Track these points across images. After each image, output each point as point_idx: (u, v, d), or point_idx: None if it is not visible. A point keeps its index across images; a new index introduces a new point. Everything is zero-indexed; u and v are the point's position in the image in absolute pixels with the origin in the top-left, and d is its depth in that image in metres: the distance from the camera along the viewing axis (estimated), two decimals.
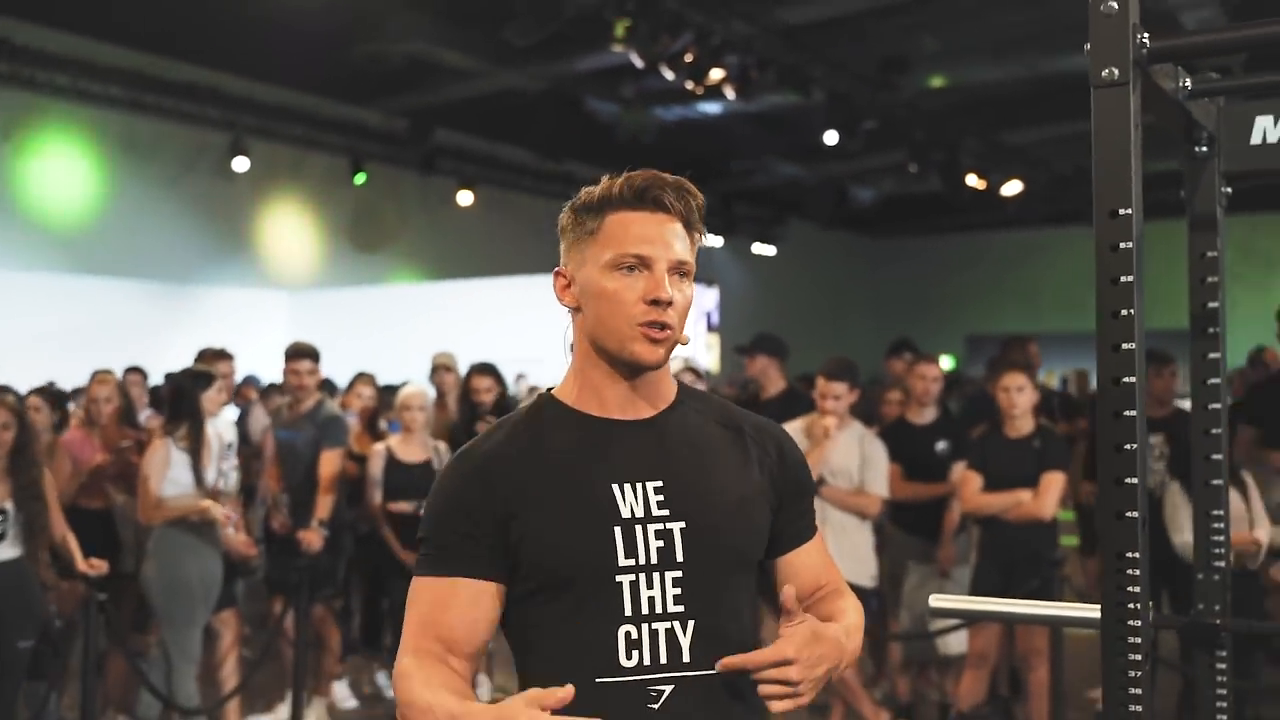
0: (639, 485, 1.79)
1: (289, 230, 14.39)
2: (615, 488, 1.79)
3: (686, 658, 1.73)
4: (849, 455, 5.35)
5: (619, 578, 1.74)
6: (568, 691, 1.55)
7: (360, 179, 14.52)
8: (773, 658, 1.66)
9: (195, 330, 11.00)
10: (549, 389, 1.93)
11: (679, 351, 1.97)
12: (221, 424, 5.74)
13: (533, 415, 1.88)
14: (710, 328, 17.70)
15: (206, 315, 12.47)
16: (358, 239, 15.06)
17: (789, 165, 18.13)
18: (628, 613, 1.74)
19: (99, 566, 5.04)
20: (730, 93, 11.78)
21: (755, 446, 1.90)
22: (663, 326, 1.79)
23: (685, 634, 1.73)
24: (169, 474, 5.33)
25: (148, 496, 5.33)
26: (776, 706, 1.69)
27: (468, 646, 1.77)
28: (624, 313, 1.79)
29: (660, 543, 1.76)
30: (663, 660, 1.72)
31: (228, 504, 5.52)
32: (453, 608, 1.78)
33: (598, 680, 1.71)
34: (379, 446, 6.21)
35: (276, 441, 6.18)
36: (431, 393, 7.07)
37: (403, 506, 6.13)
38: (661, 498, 1.79)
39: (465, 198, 15.53)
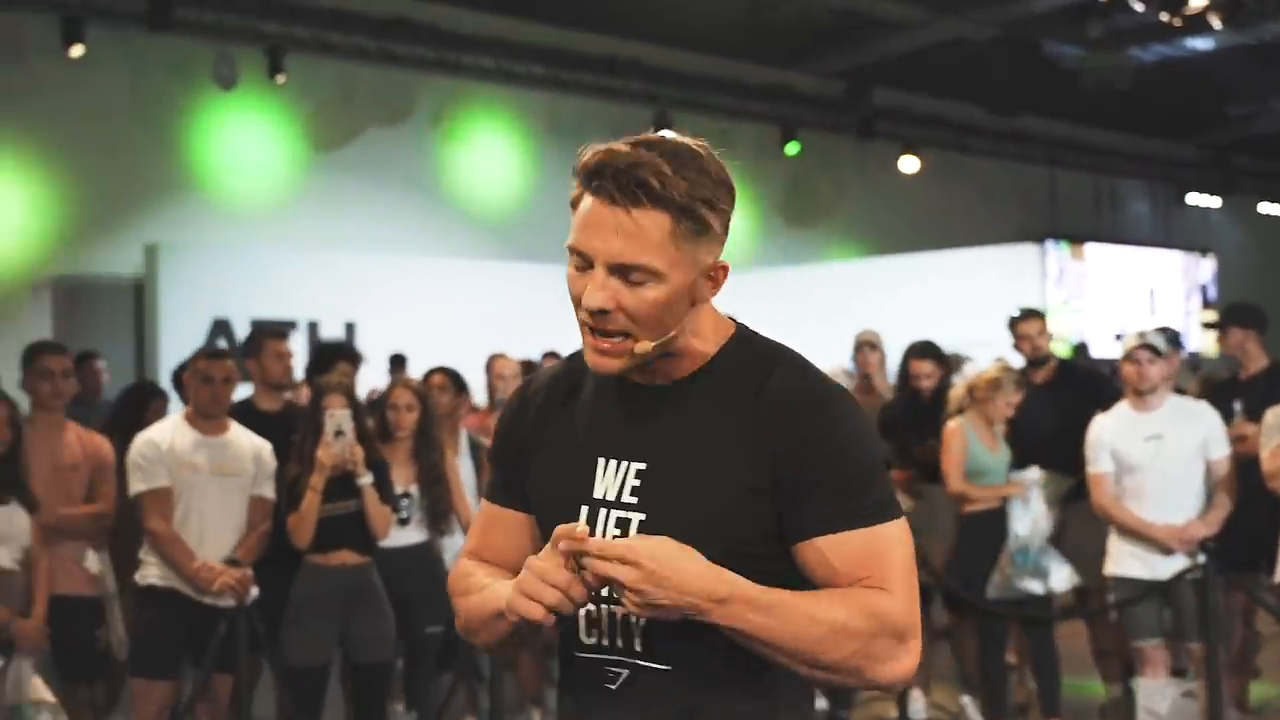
0: (622, 464, 1.81)
1: None
2: (601, 462, 1.83)
3: (638, 647, 1.79)
4: None
5: (582, 558, 1.74)
6: (583, 530, 1.66)
7: (792, 148, 14.66)
8: (619, 552, 1.64)
9: None
10: None
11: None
12: None
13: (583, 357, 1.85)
14: (1206, 303, 16.55)
15: None
16: (790, 214, 15.23)
17: None
18: (602, 594, 1.78)
19: None
20: (1217, 22, 10.95)
21: (764, 425, 1.75)
22: (606, 334, 1.75)
23: (637, 624, 1.78)
24: None
25: None
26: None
27: (512, 572, 1.84)
28: (576, 305, 1.77)
29: (617, 531, 1.79)
30: (618, 644, 1.80)
31: None
32: (494, 533, 1.98)
33: (574, 653, 1.84)
34: None
35: None
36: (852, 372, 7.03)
37: None
38: (638, 482, 1.80)
39: (909, 163, 15.33)
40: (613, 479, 1.81)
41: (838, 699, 6.08)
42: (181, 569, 4.82)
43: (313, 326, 11.01)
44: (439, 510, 5.36)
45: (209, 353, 5.18)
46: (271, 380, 5.59)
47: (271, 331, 6.00)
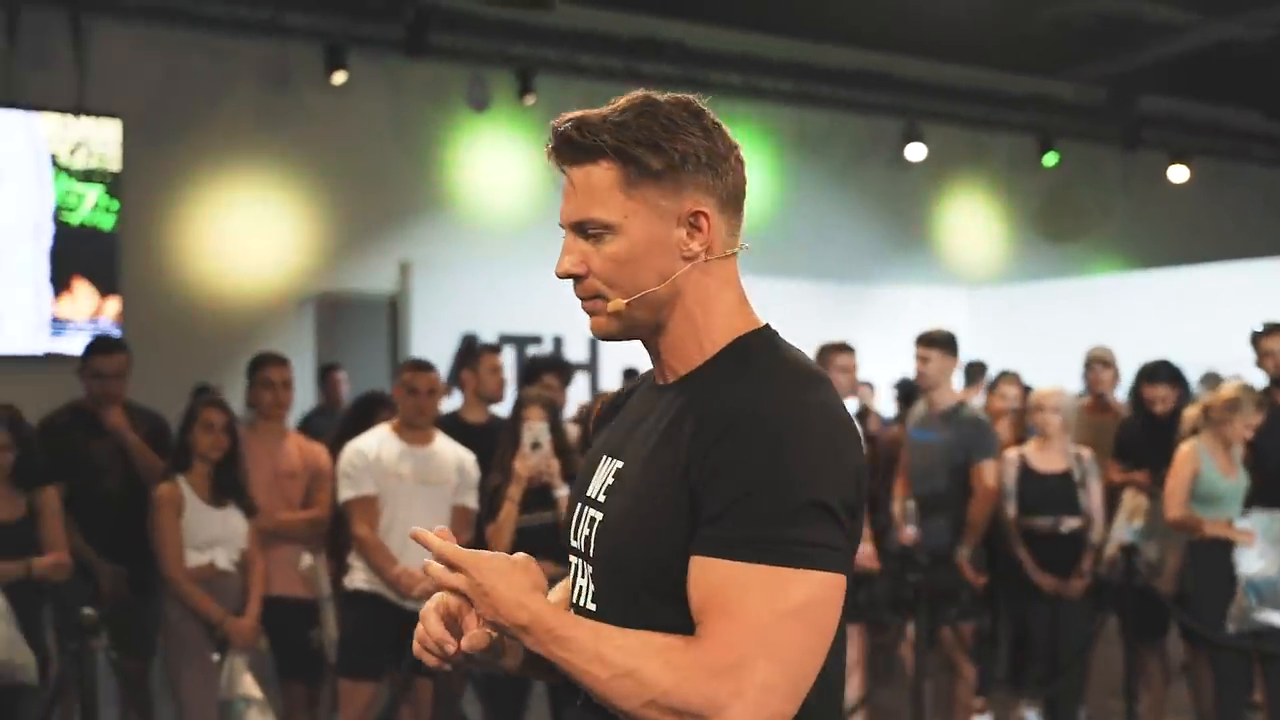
0: (611, 462, 1.78)
1: (969, 221, 14.39)
2: (604, 459, 1.81)
3: None
4: None
5: (570, 557, 1.82)
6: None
7: (1050, 159, 14.16)
8: (456, 559, 1.62)
9: (868, 331, 11.32)
10: None
11: None
12: None
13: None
14: None
15: (879, 315, 12.78)
16: (1047, 227, 14.71)
17: None
18: (574, 598, 1.79)
19: None
20: None
21: (703, 432, 1.63)
22: (587, 298, 1.74)
23: None
24: None
25: None
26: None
27: None
28: None
29: (588, 531, 1.76)
30: None
31: None
32: None
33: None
34: (1010, 454, 6.02)
35: (910, 443, 6.19)
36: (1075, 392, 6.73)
37: (1039, 523, 5.90)
38: (611, 482, 1.75)
39: (1178, 173, 14.59)
40: (601, 476, 1.78)
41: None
42: (384, 574, 4.99)
43: (558, 341, 11.26)
44: None
45: (414, 364, 5.35)
46: (486, 393, 5.75)
47: (488, 346, 6.16)
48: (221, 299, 10.38)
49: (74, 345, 9.46)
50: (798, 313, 12.53)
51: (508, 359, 10.07)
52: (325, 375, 9.38)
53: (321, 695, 5.73)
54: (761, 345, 1.75)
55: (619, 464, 1.76)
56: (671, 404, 1.73)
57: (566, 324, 11.23)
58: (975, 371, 8.75)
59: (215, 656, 4.90)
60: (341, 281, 10.97)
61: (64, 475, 5.43)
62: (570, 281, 1.77)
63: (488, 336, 10.83)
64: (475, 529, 5.16)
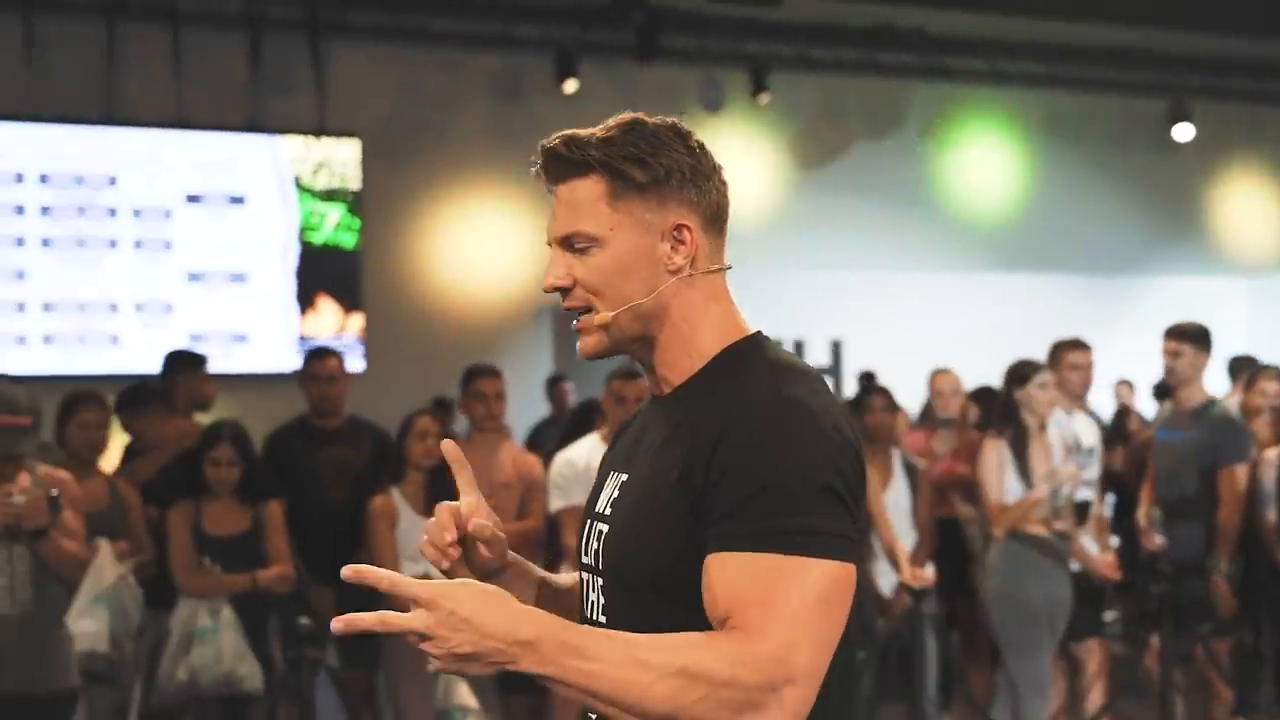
0: (617, 477, 1.84)
1: (1245, 204, 13.51)
2: (611, 475, 1.87)
3: None
4: None
5: (582, 573, 1.88)
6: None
7: None
8: (414, 593, 1.51)
9: (1132, 326, 10.81)
10: None
11: None
12: (1079, 425, 5.54)
13: None
14: None
15: (1146, 309, 12.12)
16: None
17: None
18: (587, 611, 1.84)
19: (922, 578, 5.13)
20: None
21: (702, 434, 1.68)
22: (574, 313, 1.80)
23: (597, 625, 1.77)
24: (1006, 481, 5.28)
25: (989, 505, 5.32)
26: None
27: None
28: None
29: (597, 545, 1.82)
30: None
31: (1065, 519, 5.30)
32: None
33: None
34: (1271, 454, 5.57)
35: (1155, 444, 5.83)
36: None
37: None
38: (617, 495, 1.81)
39: None
40: (609, 491, 1.85)
41: None
42: None
43: (798, 345, 11.07)
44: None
45: (622, 373, 5.29)
46: None
47: None
48: (460, 312, 10.59)
49: None
50: (1055, 309, 12.04)
51: None
52: (553, 386, 9.45)
53: (544, 707, 5.73)
54: (750, 350, 1.80)
55: (624, 477, 1.82)
56: (669, 414, 1.79)
57: (806, 327, 11.06)
58: (1242, 368, 8.18)
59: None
60: None
61: (287, 489, 5.58)
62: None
63: None
64: None
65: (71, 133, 9.33)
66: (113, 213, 9.35)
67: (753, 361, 1.77)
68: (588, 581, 1.84)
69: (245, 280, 9.74)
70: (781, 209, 11.73)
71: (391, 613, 1.52)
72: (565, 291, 1.79)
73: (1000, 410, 5.45)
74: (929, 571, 5.49)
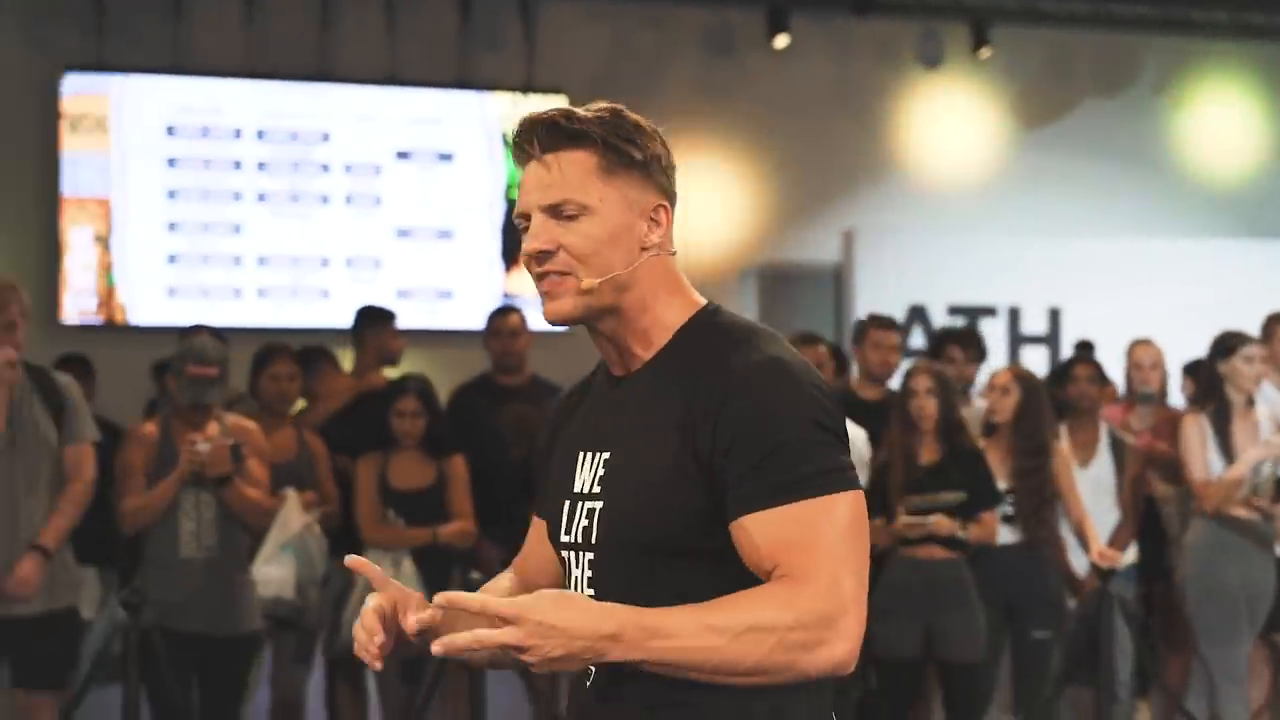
0: (594, 455, 1.95)
1: None
2: (581, 455, 1.97)
3: None
4: None
5: (563, 552, 1.99)
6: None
7: None
8: (502, 612, 1.69)
9: None
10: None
11: None
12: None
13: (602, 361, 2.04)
14: None
15: None
16: None
17: None
18: (569, 587, 1.95)
19: (1110, 557, 4.94)
20: None
21: (699, 405, 1.83)
22: (545, 277, 1.90)
23: None
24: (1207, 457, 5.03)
25: (1193, 482, 5.09)
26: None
27: (540, 577, 2.08)
28: (530, 276, 1.93)
29: (586, 523, 1.93)
30: None
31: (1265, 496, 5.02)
32: (530, 541, 2.17)
33: None
34: None
35: None
36: None
37: None
38: (603, 472, 1.93)
39: None
40: (588, 471, 1.95)
41: None
42: None
43: (1014, 313, 10.74)
44: (1030, 507, 5.04)
45: (803, 337, 5.23)
46: (870, 371, 5.56)
47: (877, 319, 5.96)
48: None
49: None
50: None
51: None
52: None
53: None
54: (714, 319, 1.96)
55: (604, 455, 1.93)
56: (646, 387, 1.93)
57: (1023, 295, 10.71)
58: None
59: None
60: (783, 252, 10.92)
61: (470, 444, 5.69)
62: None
63: (936, 308, 10.49)
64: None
65: (287, 89, 9.63)
66: (325, 168, 9.63)
67: (723, 330, 1.92)
68: (570, 560, 1.97)
69: (451, 237, 9.92)
70: (1001, 171, 11.38)
71: (485, 630, 1.70)
72: (546, 255, 1.89)
73: (1204, 384, 5.18)
74: (1126, 552, 5.27)
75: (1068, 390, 5.74)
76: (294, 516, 5.43)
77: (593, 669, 1.85)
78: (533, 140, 1.91)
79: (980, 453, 4.99)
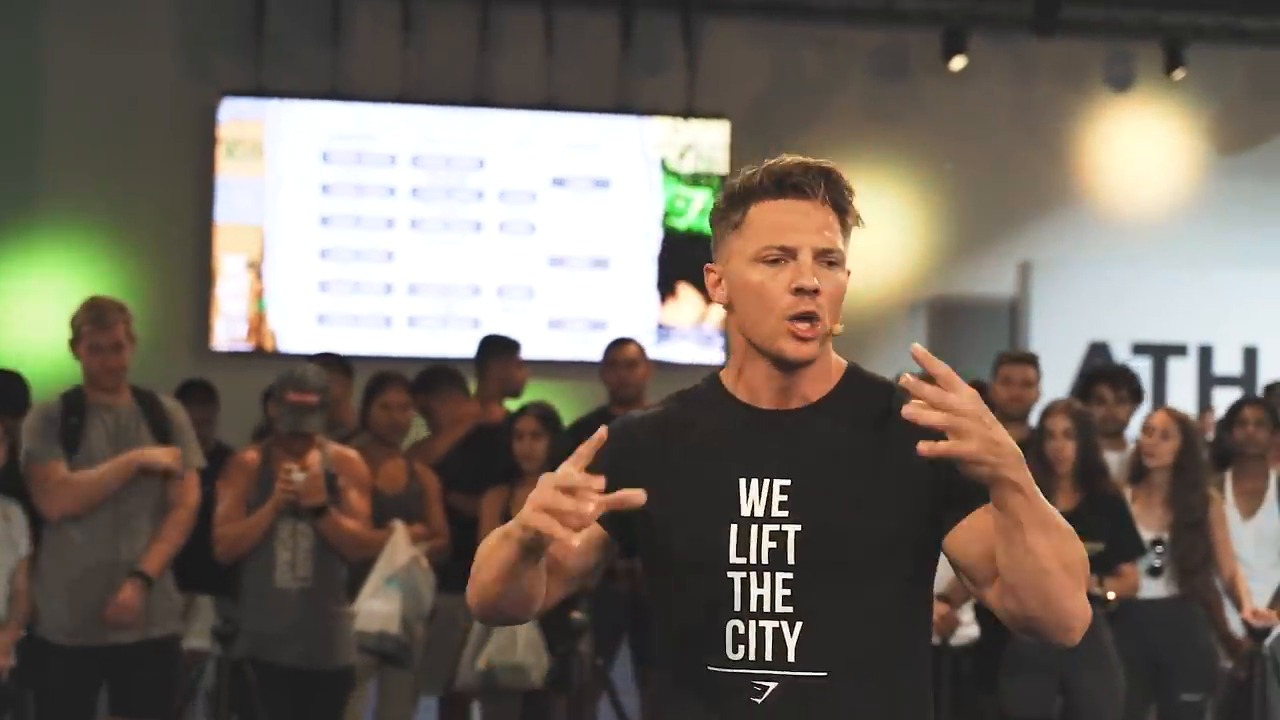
0: (766, 481, 2.03)
1: None
2: (743, 482, 2.04)
3: (792, 658, 1.97)
4: None
5: (730, 574, 2.02)
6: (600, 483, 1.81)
7: None
8: (956, 385, 1.81)
9: None
10: (719, 368, 2.18)
11: None
12: None
13: (693, 392, 2.18)
14: None
15: None
16: None
17: None
18: (736, 608, 2.01)
19: (1266, 617, 4.57)
20: None
21: (904, 442, 1.90)
22: (808, 318, 2.00)
23: (792, 634, 1.98)
24: None
25: None
26: (927, 419, 1.78)
27: (559, 571, 2.07)
28: (771, 306, 2.02)
29: (773, 544, 2.01)
30: (767, 658, 1.98)
31: None
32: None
33: (709, 667, 2.01)
34: None
35: None
36: None
37: None
38: (785, 497, 2.02)
39: None
40: (759, 497, 2.03)
41: None
42: None
43: (1204, 352, 10.17)
44: (1190, 561, 4.71)
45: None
46: (1002, 408, 5.33)
47: (1009, 356, 5.70)
48: None
49: (681, 352, 9.87)
50: None
51: (1143, 369, 9.27)
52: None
53: None
54: (860, 369, 2.16)
55: (782, 482, 2.03)
56: (823, 423, 2.06)
57: (1215, 332, 10.14)
58: None
59: None
60: (956, 284, 10.56)
61: None
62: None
63: (1119, 344, 10.01)
64: None
65: (443, 115, 9.69)
66: (480, 195, 9.64)
67: (879, 380, 2.13)
68: (747, 580, 2.01)
69: (606, 266, 9.84)
70: (1195, 200, 10.82)
71: (956, 396, 1.80)
72: (812, 295, 2.00)
73: None
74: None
75: (1234, 434, 5.35)
76: (401, 549, 5.36)
77: (770, 686, 1.97)
78: (820, 185, 2.04)
79: (1122, 500, 4.68)
